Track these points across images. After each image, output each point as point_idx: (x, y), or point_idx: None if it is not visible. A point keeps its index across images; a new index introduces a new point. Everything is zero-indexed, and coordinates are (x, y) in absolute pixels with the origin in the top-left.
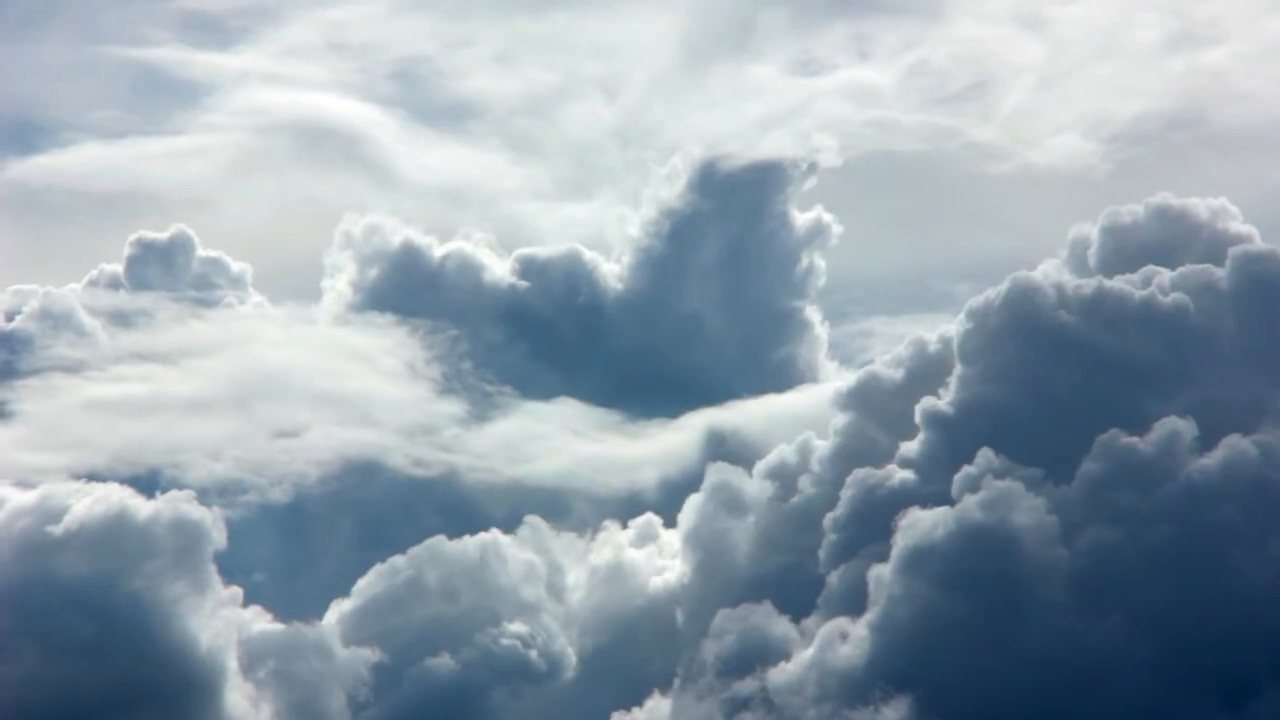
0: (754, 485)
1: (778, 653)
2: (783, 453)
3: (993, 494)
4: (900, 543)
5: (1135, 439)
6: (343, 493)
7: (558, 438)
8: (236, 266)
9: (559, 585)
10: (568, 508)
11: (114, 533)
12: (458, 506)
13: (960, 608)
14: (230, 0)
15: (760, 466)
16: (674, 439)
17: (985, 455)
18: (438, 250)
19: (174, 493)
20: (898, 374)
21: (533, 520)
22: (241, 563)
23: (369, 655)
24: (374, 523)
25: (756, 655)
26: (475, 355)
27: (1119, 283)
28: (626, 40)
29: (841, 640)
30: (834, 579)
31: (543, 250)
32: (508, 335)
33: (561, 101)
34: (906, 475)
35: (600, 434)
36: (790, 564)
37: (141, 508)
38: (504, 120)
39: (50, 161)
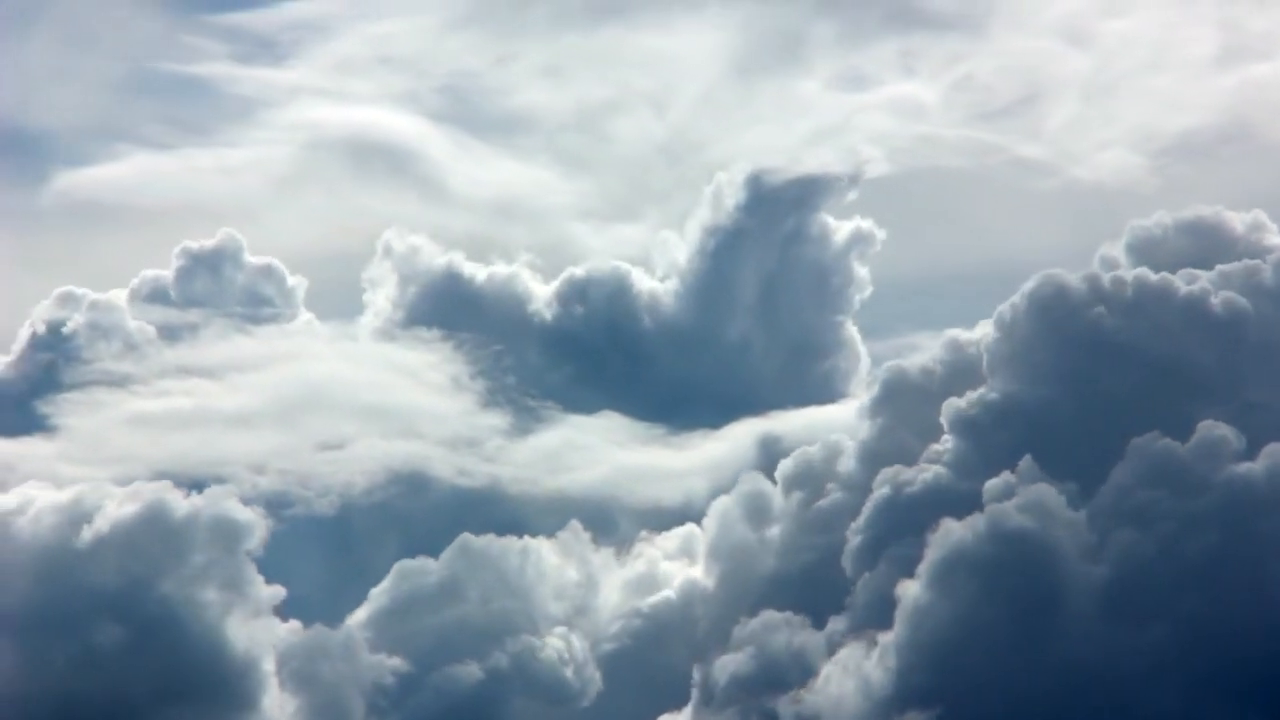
0: (779, 488)
1: (800, 667)
2: (808, 453)
3: (1024, 501)
4: (932, 556)
5: (1173, 443)
6: (388, 504)
7: (600, 449)
8: (290, 281)
9: (591, 594)
10: (610, 517)
11: (152, 529)
12: (502, 516)
13: (992, 621)
14: (281, 16)
15: (784, 465)
16: (717, 449)
17: (1027, 463)
18: (481, 274)
19: (215, 489)
20: (929, 373)
21: (574, 526)
22: (287, 574)
23: (394, 662)
24: (420, 533)
25: (777, 672)
26: (519, 371)
27: (1160, 278)
28: (676, 54)
29: (868, 657)
30: (861, 586)
31: (588, 268)
32: (551, 352)
33: (611, 116)
34: (936, 474)
35: (643, 446)
36: (814, 566)
37: (180, 504)
38: (553, 135)
39: (99, 174)
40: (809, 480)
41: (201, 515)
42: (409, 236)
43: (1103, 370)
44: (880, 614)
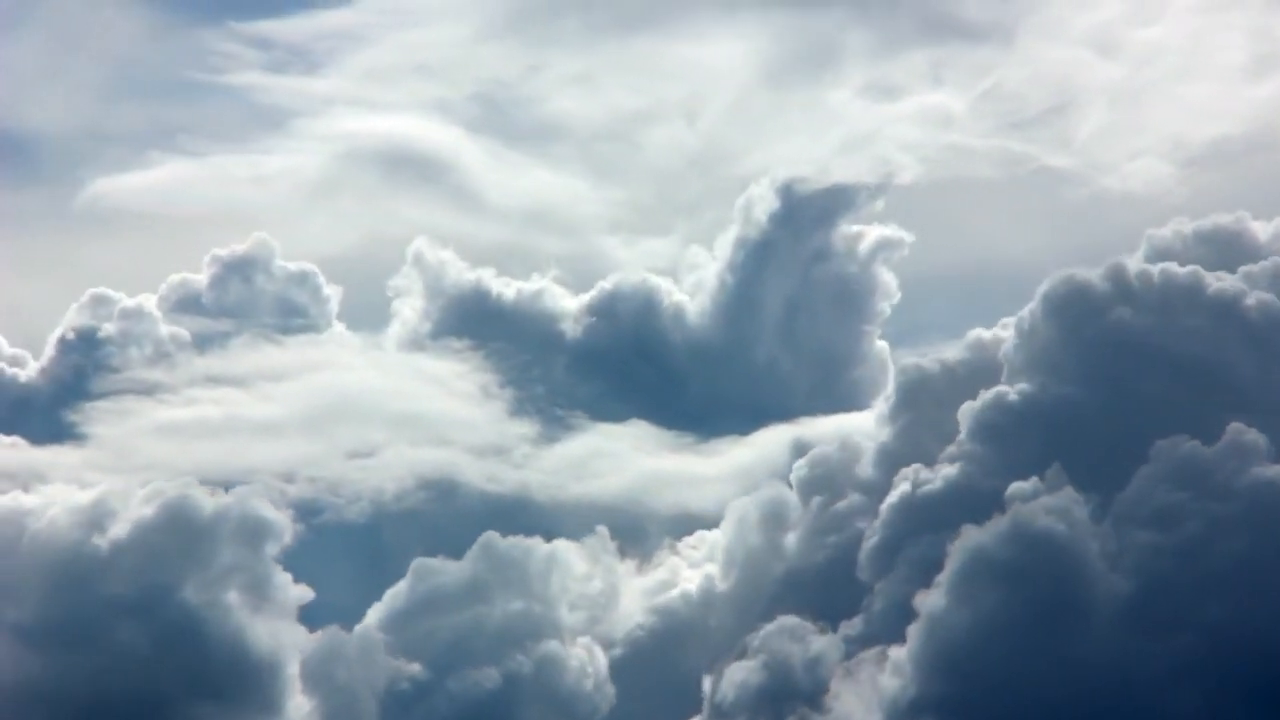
0: (795, 490)
1: (813, 678)
2: (824, 453)
3: (1045, 505)
4: (953, 563)
5: (1199, 445)
6: (418, 510)
7: (629, 456)
8: (326, 290)
9: (612, 601)
10: (638, 524)
11: (178, 527)
12: (530, 523)
13: (1012, 627)
14: (314, 25)
15: (799, 467)
16: (746, 455)
17: (1055, 471)
18: (511, 289)
19: (242, 488)
20: (949, 373)
21: (601, 532)
22: (317, 579)
23: (411, 667)
24: (449, 538)
25: (789, 683)
26: (548, 381)
27: (1188, 272)
28: (708, 64)
29: (883, 666)
30: (878, 590)
31: (617, 280)
32: (580, 363)
33: (643, 125)
34: (954, 475)
35: (672, 453)
36: (830, 568)
37: (207, 503)
38: (586, 144)
39: (133, 181)
40: (825, 481)
41: (229, 514)
42: (439, 251)
43: (1126, 370)
44: (897, 619)
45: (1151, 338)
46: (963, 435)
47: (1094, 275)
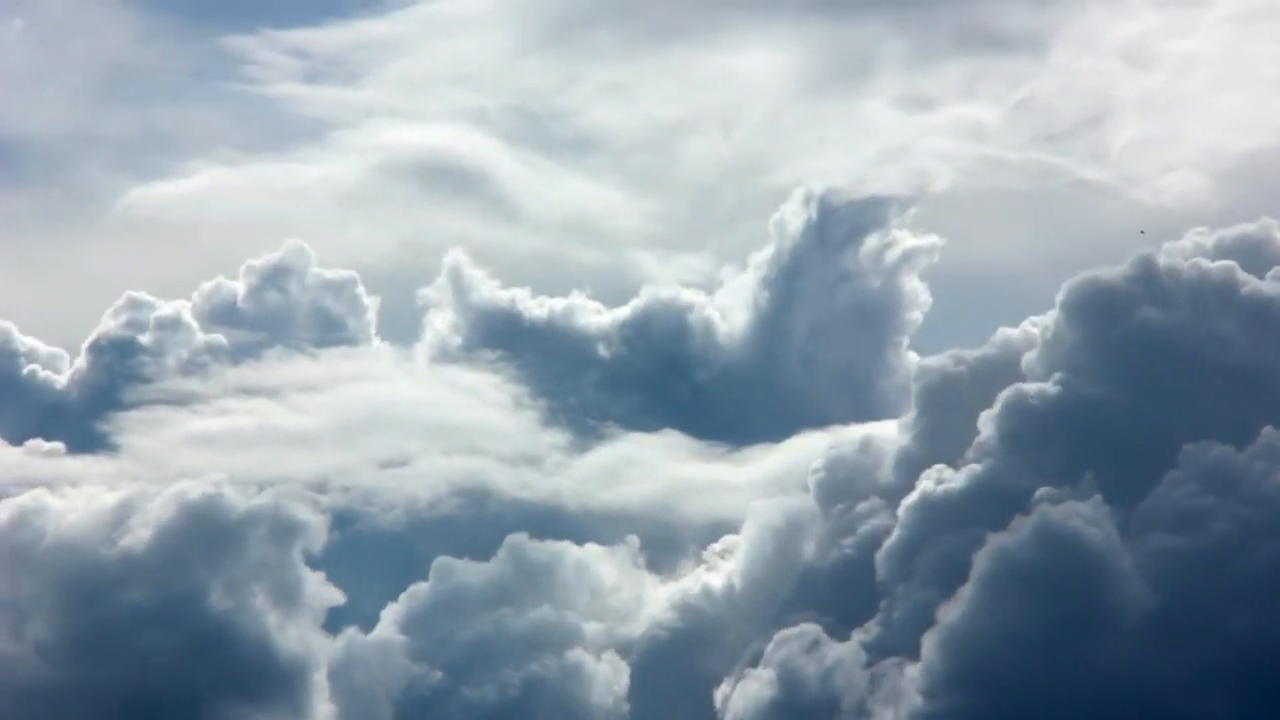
0: (812, 489)
1: (828, 690)
2: (842, 452)
3: (1069, 511)
4: (976, 571)
5: (1230, 450)
6: (452, 517)
7: (661, 464)
8: (365, 300)
9: (637, 611)
10: (670, 531)
11: (210, 526)
12: (562, 530)
13: (1033, 634)
14: (351, 35)
15: (815, 467)
16: (778, 462)
17: (1088, 480)
18: (544, 309)
19: (275, 489)
20: (974, 371)
21: (631, 541)
22: (351, 585)
23: (432, 674)
24: (482, 545)
25: (802, 697)
26: (580, 393)
27: (1220, 267)
28: (744, 74)
29: (903, 675)
30: (896, 593)
31: (651, 295)
32: (614, 378)
33: (679, 136)
34: (973, 476)
35: (704, 462)
36: (847, 570)
37: (239, 502)
38: (622, 155)
39: (169, 189)
40: (844, 483)
41: (261, 514)
42: (473, 270)
43: (1153, 370)
44: (915, 623)
45: (1180, 336)
46: (984, 437)
47: (1120, 271)
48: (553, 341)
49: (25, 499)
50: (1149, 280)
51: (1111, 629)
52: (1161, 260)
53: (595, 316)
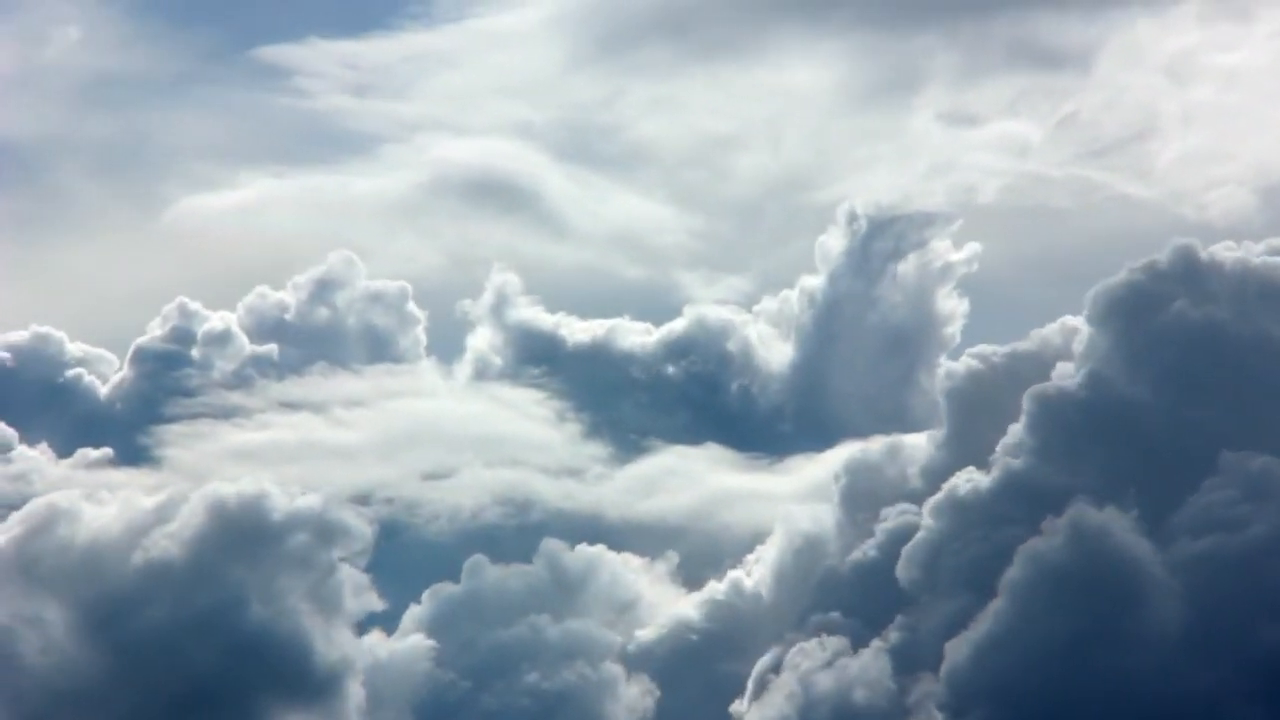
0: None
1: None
2: (868, 456)
3: (1101, 519)
4: (1007, 577)
5: (1272, 459)
6: (495, 526)
7: (702, 475)
8: (416, 312)
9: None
10: (710, 539)
11: (253, 526)
12: (604, 539)
13: (1066, 642)
14: (399, 46)
15: (839, 471)
16: (819, 472)
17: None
18: (587, 333)
19: (320, 493)
20: (1007, 373)
21: (669, 557)
22: (394, 593)
23: (456, 680)
24: (524, 555)
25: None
26: (622, 409)
27: (1266, 262)
28: (792, 88)
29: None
30: (919, 598)
31: (694, 315)
32: (655, 395)
33: (728, 150)
34: (998, 482)
35: (744, 473)
36: (871, 575)
37: (283, 503)
38: (671, 170)
39: (218, 201)
40: (868, 486)
41: (305, 515)
42: (519, 294)
43: (1191, 369)
44: (937, 628)
45: (1222, 332)
46: (1013, 436)
47: (1158, 261)
48: (596, 362)
49: (58, 498)
50: (1189, 273)
51: (1144, 640)
52: (1203, 253)
53: (638, 336)
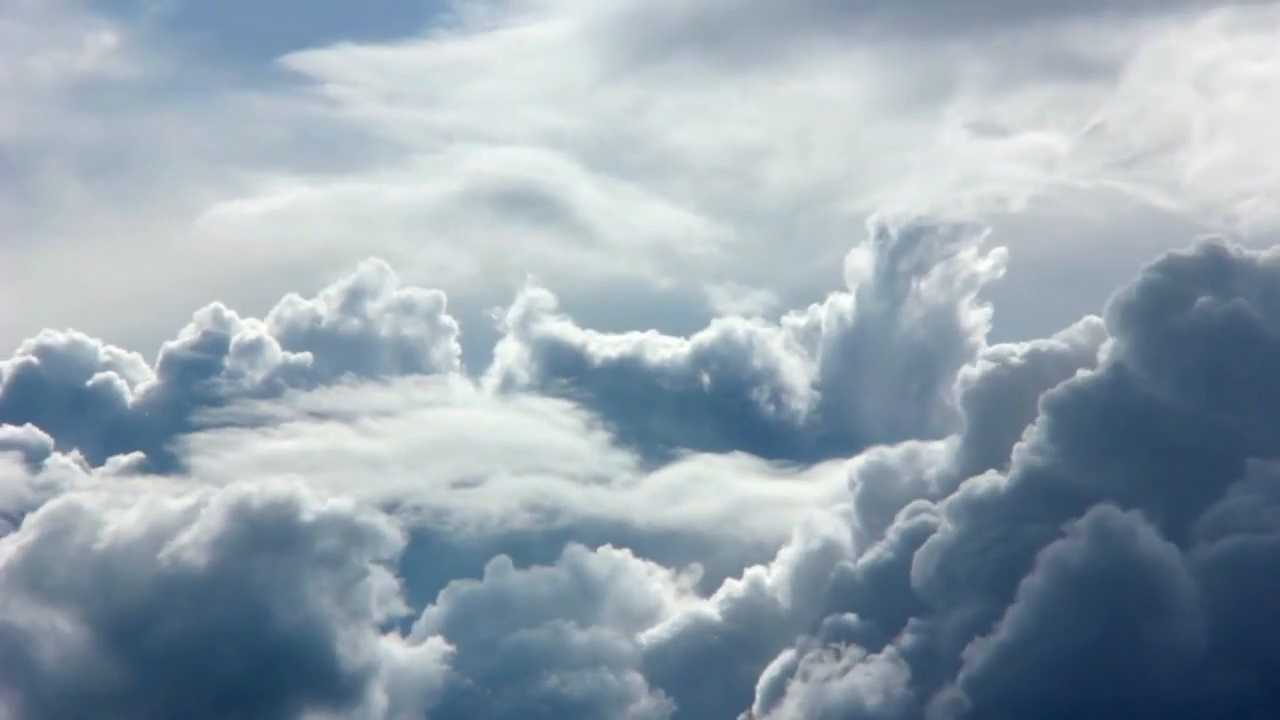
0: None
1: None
2: (883, 460)
3: (1117, 525)
4: (1028, 583)
5: None
6: (520, 535)
7: (729, 482)
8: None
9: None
10: (737, 545)
11: (283, 526)
12: (632, 545)
13: (1087, 650)
14: (430, 54)
15: (854, 475)
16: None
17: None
18: (615, 349)
19: (348, 498)
20: (1028, 375)
21: (695, 568)
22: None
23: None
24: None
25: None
26: (650, 421)
27: None
28: (823, 98)
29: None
30: (937, 601)
31: (722, 329)
32: (683, 407)
33: (759, 160)
34: (1018, 482)
35: (772, 480)
36: (884, 575)
37: (313, 505)
38: (701, 178)
39: (251, 206)
40: (883, 490)
41: (335, 517)
42: (548, 312)
43: (1219, 365)
44: (957, 633)
45: (1249, 331)
46: (1029, 441)
47: (1186, 255)
48: (624, 375)
49: (81, 500)
50: (1216, 269)
51: (1171, 647)
52: (1231, 249)
53: (665, 350)
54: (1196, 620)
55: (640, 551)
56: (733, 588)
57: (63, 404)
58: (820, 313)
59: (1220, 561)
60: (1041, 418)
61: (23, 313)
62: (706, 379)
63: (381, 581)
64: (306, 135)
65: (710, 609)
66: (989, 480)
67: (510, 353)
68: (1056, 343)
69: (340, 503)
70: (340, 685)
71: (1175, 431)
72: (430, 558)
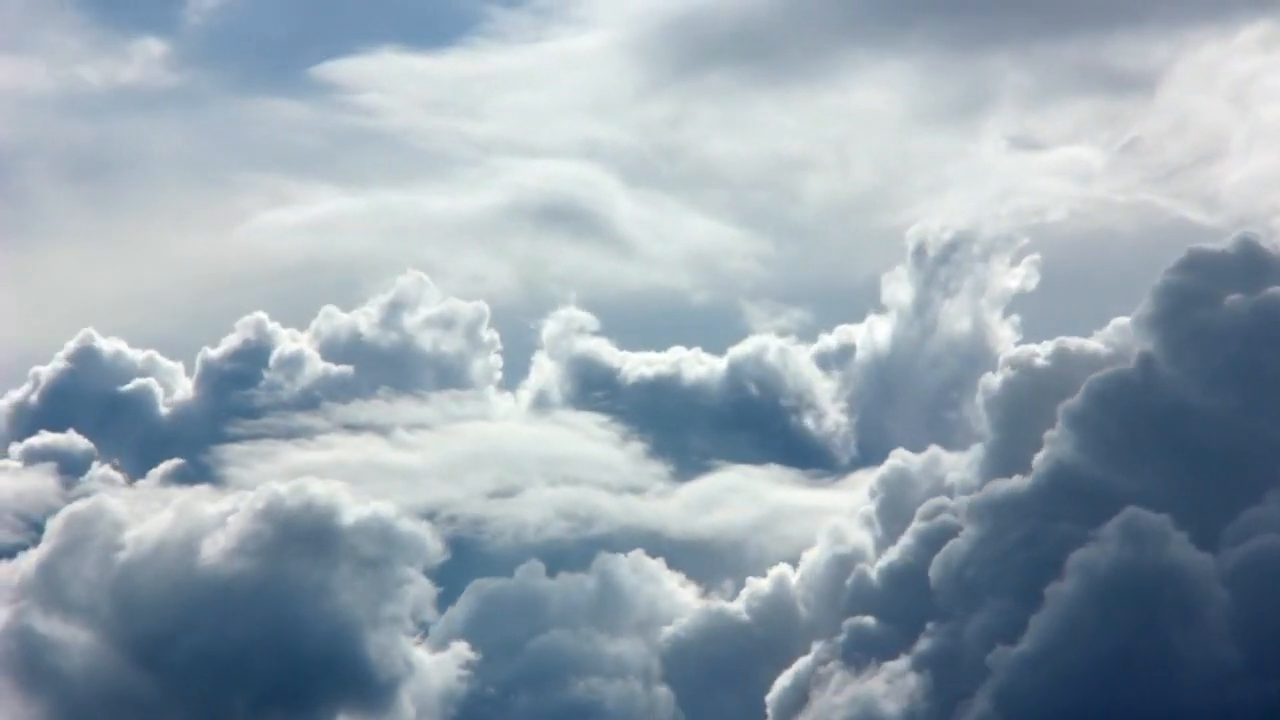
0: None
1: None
2: (904, 466)
3: (1147, 528)
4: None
5: None
6: (555, 543)
7: (763, 491)
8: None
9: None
10: (768, 553)
11: (320, 528)
12: (665, 555)
13: (1112, 660)
14: (470, 64)
15: (874, 483)
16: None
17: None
18: (651, 368)
19: (384, 503)
20: (1054, 377)
21: (725, 587)
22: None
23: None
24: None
25: None
26: (684, 434)
27: None
28: (862, 110)
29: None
30: (956, 605)
31: (756, 345)
32: (717, 422)
33: (797, 172)
34: (1038, 486)
35: (806, 489)
36: (903, 579)
37: (352, 508)
38: (741, 191)
39: (292, 216)
40: (903, 496)
41: (376, 522)
42: (584, 333)
43: (1250, 363)
44: (979, 638)
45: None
46: (1052, 445)
47: (1219, 250)
48: (660, 390)
49: (109, 503)
50: (1250, 265)
51: (1199, 657)
52: (1265, 243)
53: (701, 367)
54: (1228, 628)
55: (673, 559)
56: (758, 585)
57: (101, 410)
58: (857, 334)
59: (1252, 567)
60: (1068, 413)
61: (65, 315)
62: (742, 395)
63: (419, 589)
64: (346, 144)
65: (736, 606)
66: (1013, 480)
67: (547, 367)
68: (1084, 341)
69: (382, 506)
70: (374, 692)
71: (1206, 431)
72: (466, 566)
